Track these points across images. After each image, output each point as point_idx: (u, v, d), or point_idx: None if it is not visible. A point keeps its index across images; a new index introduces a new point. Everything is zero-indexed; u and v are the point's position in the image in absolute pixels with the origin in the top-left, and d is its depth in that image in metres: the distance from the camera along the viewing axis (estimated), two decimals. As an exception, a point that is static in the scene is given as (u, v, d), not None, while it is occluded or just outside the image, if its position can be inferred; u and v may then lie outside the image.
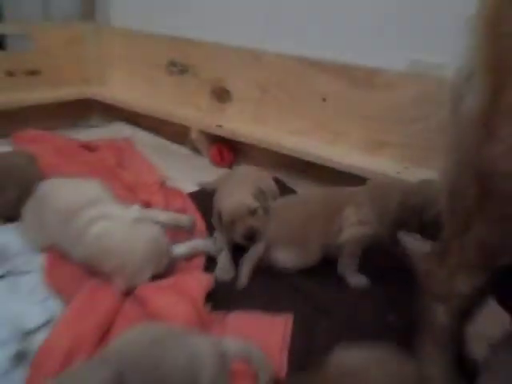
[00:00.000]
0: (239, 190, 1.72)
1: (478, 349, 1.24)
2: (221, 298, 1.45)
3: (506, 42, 0.91)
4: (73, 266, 1.54)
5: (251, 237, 1.61)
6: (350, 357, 1.05)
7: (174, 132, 2.83)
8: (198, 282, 1.45)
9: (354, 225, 1.60)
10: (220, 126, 2.46)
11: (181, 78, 2.76)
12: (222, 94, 2.60)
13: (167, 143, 2.86)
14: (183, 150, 2.79)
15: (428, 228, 1.52)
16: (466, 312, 1.18)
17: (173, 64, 2.76)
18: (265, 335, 1.30)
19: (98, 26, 3.04)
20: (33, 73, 2.79)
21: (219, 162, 2.55)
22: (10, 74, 2.71)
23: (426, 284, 1.17)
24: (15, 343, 1.20)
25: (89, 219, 1.48)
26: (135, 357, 0.93)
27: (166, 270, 1.50)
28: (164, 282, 1.46)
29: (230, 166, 2.56)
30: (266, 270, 1.63)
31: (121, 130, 2.97)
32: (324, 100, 2.23)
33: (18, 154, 1.92)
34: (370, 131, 2.14)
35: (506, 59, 0.92)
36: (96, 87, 3.06)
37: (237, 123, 2.50)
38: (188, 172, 2.41)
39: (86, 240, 1.45)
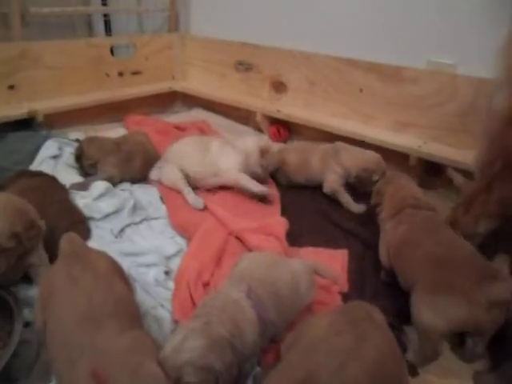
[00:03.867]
0: None
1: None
2: (294, 237, 1.60)
3: None
4: (189, 213, 1.72)
5: None
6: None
7: (239, 116, 2.93)
8: (279, 224, 1.60)
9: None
10: (279, 111, 2.57)
11: (246, 74, 2.85)
12: (279, 87, 2.71)
13: (235, 124, 2.96)
14: (248, 130, 2.89)
15: None
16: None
17: (240, 63, 2.86)
18: (329, 263, 1.44)
19: (182, 35, 3.15)
20: (136, 73, 2.95)
21: (277, 138, 2.66)
22: (120, 74, 2.88)
23: (453, 227, 1.31)
24: (162, 264, 1.39)
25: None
26: (260, 276, 1.09)
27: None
28: (254, 225, 1.62)
29: (284, 141, 2.67)
30: (325, 218, 1.78)
31: (198, 115, 3.10)
32: (361, 91, 2.31)
33: (138, 133, 2.08)
34: (396, 115, 2.21)
35: None
36: (180, 82, 3.19)
37: (291, 108, 2.60)
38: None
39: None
